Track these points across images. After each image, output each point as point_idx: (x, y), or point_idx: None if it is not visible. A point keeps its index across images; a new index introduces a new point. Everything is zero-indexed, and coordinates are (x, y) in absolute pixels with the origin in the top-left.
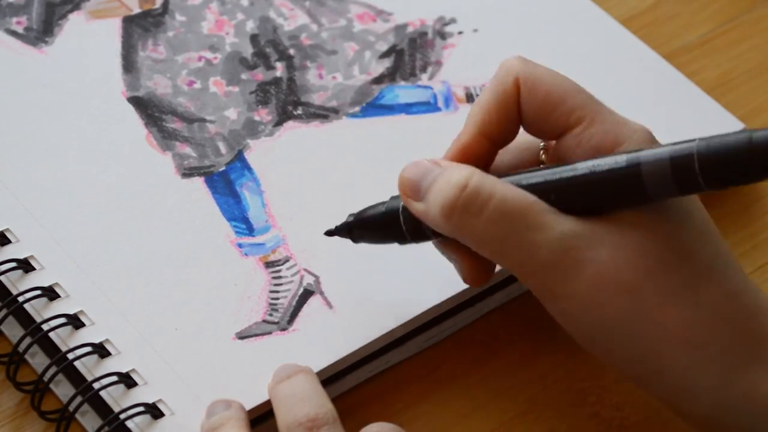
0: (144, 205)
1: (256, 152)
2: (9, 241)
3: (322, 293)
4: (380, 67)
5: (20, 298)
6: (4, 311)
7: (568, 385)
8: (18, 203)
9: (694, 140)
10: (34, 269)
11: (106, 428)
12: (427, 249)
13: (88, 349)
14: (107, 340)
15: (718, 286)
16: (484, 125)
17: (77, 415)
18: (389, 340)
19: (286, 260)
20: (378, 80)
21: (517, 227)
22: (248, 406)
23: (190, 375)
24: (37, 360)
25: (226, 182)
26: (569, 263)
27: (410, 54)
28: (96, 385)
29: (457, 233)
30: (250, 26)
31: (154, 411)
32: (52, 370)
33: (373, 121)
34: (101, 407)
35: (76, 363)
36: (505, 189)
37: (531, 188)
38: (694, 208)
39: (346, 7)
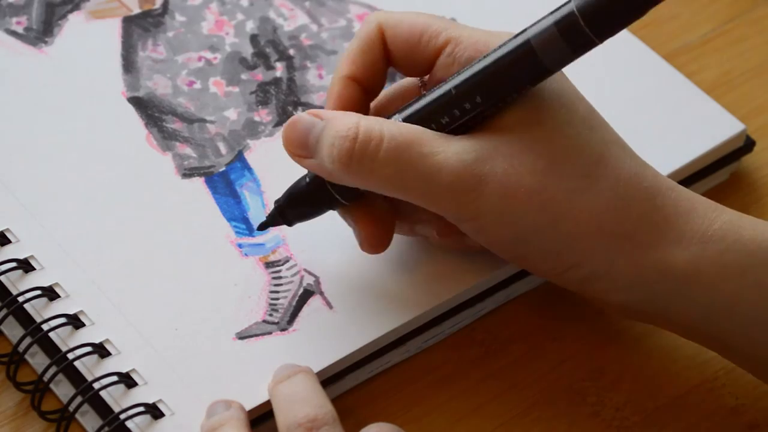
0: (144, 205)
1: (256, 152)
2: (9, 241)
3: (322, 293)
4: None
5: (20, 298)
6: (4, 311)
7: (568, 385)
8: (18, 203)
9: (570, 0)
10: (34, 269)
11: (106, 428)
12: (427, 250)
13: (88, 349)
14: (107, 340)
15: (613, 171)
16: (352, 71)
17: (77, 415)
18: (389, 341)
19: (286, 260)
20: None
21: (412, 158)
22: (248, 407)
23: (190, 375)
24: (37, 360)
25: (227, 182)
26: (471, 182)
27: None
28: (96, 385)
29: (357, 181)
30: (250, 26)
31: (154, 411)
32: (52, 370)
33: None
34: (101, 407)
35: (76, 363)
36: (392, 126)
37: (418, 119)
38: (575, 100)
39: (345, 7)
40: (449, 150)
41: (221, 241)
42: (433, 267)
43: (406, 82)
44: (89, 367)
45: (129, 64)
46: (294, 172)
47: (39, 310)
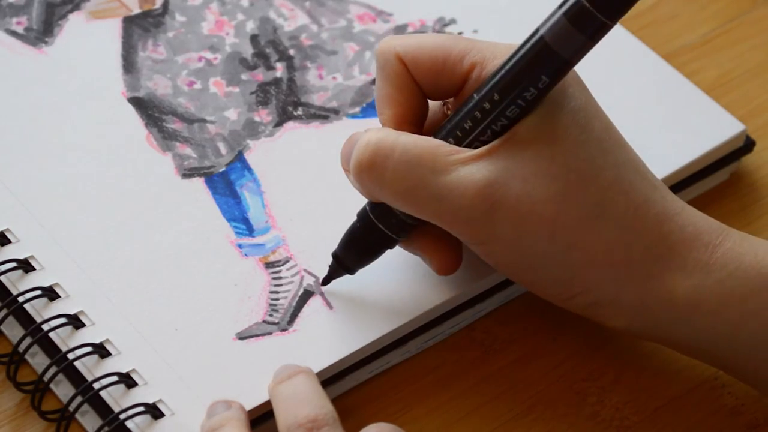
0: (144, 205)
1: (257, 153)
2: (9, 241)
3: (322, 294)
4: None
5: (20, 298)
6: (4, 311)
7: (568, 385)
8: (18, 203)
9: None
10: (34, 269)
11: (106, 428)
12: None
13: (88, 349)
14: (107, 340)
15: (625, 198)
16: (396, 115)
17: (77, 415)
18: (389, 341)
19: (287, 261)
20: None
21: (424, 175)
22: (248, 407)
23: (190, 375)
24: (37, 360)
25: (227, 183)
26: (483, 206)
27: None
28: (96, 385)
29: (371, 193)
30: (250, 27)
31: (154, 411)
32: (52, 370)
33: (374, 122)
34: (101, 407)
35: (76, 363)
36: (408, 139)
37: (444, 131)
38: (592, 119)
39: (346, 7)
40: (462, 170)
41: (221, 242)
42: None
43: (434, 108)
44: (89, 367)
45: (129, 65)
46: (294, 173)
47: (39, 310)
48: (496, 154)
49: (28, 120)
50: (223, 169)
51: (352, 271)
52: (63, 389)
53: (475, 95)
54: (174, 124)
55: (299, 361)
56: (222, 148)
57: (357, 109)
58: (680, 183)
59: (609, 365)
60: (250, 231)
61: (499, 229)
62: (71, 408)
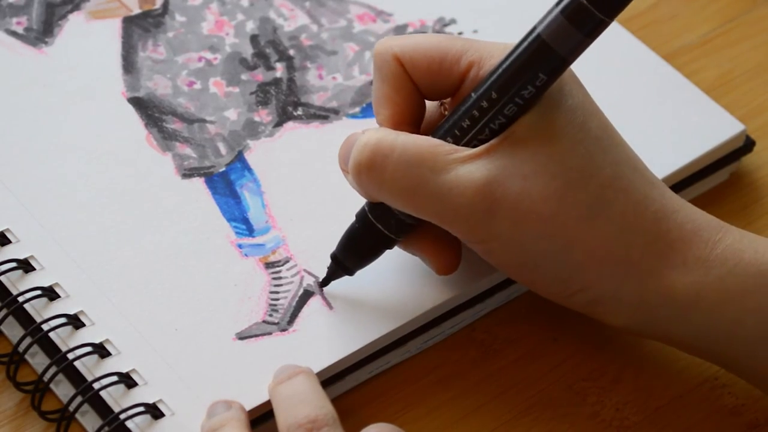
0: (144, 205)
1: (257, 153)
2: (9, 241)
3: (322, 294)
4: None
5: (20, 298)
6: (4, 311)
7: (568, 385)
8: (18, 203)
9: None
10: (34, 269)
11: (106, 428)
12: None
13: (88, 349)
14: (107, 340)
15: (623, 195)
16: (393, 115)
17: (77, 415)
18: (389, 341)
19: (286, 261)
20: None
21: (423, 174)
22: (248, 407)
23: (190, 375)
24: (37, 360)
25: (226, 183)
26: (483, 205)
27: None
28: (96, 385)
29: (370, 193)
30: (250, 27)
31: (154, 411)
32: (52, 370)
33: (373, 122)
34: (101, 407)
35: (76, 363)
36: (407, 139)
37: (441, 131)
38: (590, 117)
39: (346, 7)
40: (461, 169)
41: (221, 242)
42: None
43: (431, 109)
44: (89, 367)
45: (129, 65)
46: (294, 173)
47: (39, 310)
48: (495, 153)
49: (28, 120)
50: (223, 169)
51: (351, 272)
52: (63, 389)
53: (472, 94)
54: (174, 124)
55: (299, 361)
56: (222, 148)
57: (357, 109)
58: (680, 183)
59: (609, 365)
60: (250, 231)
61: (499, 228)
62: (71, 408)
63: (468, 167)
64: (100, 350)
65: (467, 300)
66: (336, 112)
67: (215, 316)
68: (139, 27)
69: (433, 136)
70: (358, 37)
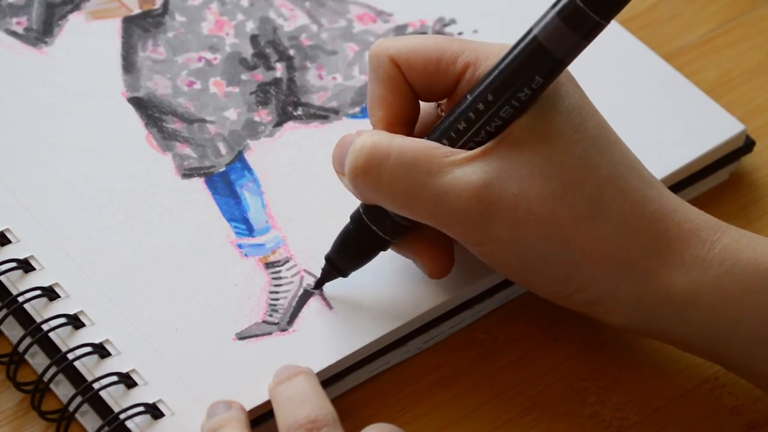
0: (144, 205)
1: (256, 153)
2: (9, 241)
3: (322, 294)
4: None
5: (20, 298)
6: (4, 311)
7: (568, 385)
8: (18, 203)
9: None
10: (34, 269)
11: (106, 428)
12: None
13: (88, 349)
14: (107, 340)
15: (621, 195)
16: (388, 116)
17: (77, 415)
18: (389, 341)
19: (286, 261)
20: None
21: (419, 177)
22: (248, 407)
23: (190, 375)
24: (37, 360)
25: (226, 183)
26: (480, 208)
27: None
28: (96, 385)
29: (366, 196)
30: (250, 27)
31: (154, 411)
32: (52, 370)
33: None
34: (101, 407)
35: (76, 363)
36: (403, 142)
37: (438, 133)
38: (586, 117)
39: (346, 7)
40: (458, 171)
41: (221, 242)
42: None
43: (427, 110)
44: (89, 367)
45: (129, 65)
46: (294, 173)
47: (39, 310)
48: (492, 155)
49: (28, 120)
50: (223, 169)
51: (345, 274)
52: (63, 389)
53: (468, 96)
54: (174, 124)
55: (299, 362)
56: (222, 148)
57: (357, 109)
58: (680, 183)
59: (609, 365)
60: (250, 231)
61: (497, 230)
62: (71, 408)
63: (464, 170)
64: (100, 350)
65: (467, 300)
66: (336, 112)
67: (215, 316)
68: (139, 27)
69: (429, 139)
70: (358, 37)
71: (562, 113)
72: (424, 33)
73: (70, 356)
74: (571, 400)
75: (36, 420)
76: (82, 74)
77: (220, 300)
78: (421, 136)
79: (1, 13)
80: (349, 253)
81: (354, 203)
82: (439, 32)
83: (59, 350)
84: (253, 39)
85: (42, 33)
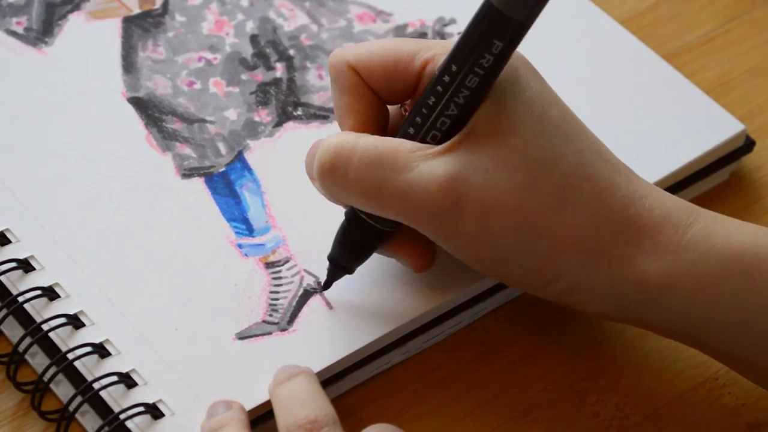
0: (144, 205)
1: (256, 153)
2: (9, 241)
3: (322, 294)
4: None
5: (20, 298)
6: (4, 311)
7: (568, 385)
8: (18, 203)
9: None
10: (34, 269)
11: (106, 428)
12: None
13: (88, 349)
14: (107, 340)
15: (588, 183)
16: (358, 125)
17: (77, 415)
18: (389, 341)
19: (286, 261)
20: None
21: (385, 174)
22: (248, 407)
23: (190, 375)
24: (37, 360)
25: (226, 183)
26: (447, 202)
27: None
28: (96, 385)
29: (335, 195)
30: (250, 27)
31: (154, 411)
32: (52, 370)
33: None
34: (101, 407)
35: (76, 363)
36: (368, 140)
37: (403, 129)
38: (549, 107)
39: (345, 7)
40: (424, 166)
41: (221, 242)
42: (433, 267)
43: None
44: (89, 367)
45: (129, 65)
46: (294, 173)
47: (39, 310)
48: (456, 150)
49: (28, 120)
50: (223, 169)
51: (350, 271)
52: (63, 389)
53: (430, 82)
54: (174, 124)
55: (299, 361)
56: (222, 148)
57: None
58: (680, 183)
59: (609, 365)
60: (250, 231)
61: (465, 224)
62: (71, 408)
63: (430, 164)
64: (100, 350)
65: (467, 300)
66: None
67: (215, 316)
68: (139, 27)
69: (396, 136)
70: (358, 37)
71: (523, 104)
72: (424, 33)
73: (70, 356)
74: (571, 400)
75: (36, 420)
76: (82, 74)
77: (220, 300)
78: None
79: (1, 13)
80: (350, 249)
81: None
82: (438, 32)
83: (59, 350)
84: (253, 39)
85: (42, 33)
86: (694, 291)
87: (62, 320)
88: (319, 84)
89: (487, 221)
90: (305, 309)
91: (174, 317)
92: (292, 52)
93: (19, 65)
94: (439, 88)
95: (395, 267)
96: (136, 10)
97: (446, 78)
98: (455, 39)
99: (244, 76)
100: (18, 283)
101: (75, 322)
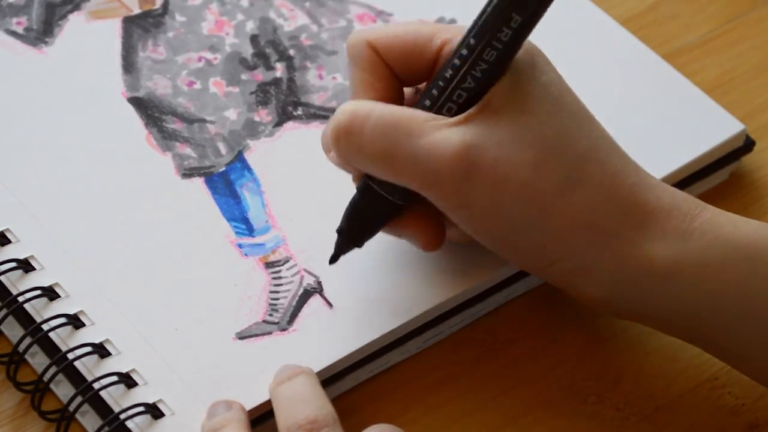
0: (144, 205)
1: (256, 153)
2: (9, 241)
3: (321, 293)
4: None
5: (20, 298)
6: (4, 311)
7: (568, 384)
8: (18, 203)
9: None
10: (34, 269)
11: (106, 428)
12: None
13: (88, 349)
14: (107, 340)
15: (600, 167)
16: (374, 100)
17: (77, 415)
18: (389, 341)
19: (286, 260)
20: None
21: (400, 138)
22: (248, 407)
23: (190, 375)
24: (37, 360)
25: (226, 183)
26: (461, 169)
27: None
28: (96, 385)
29: (348, 158)
30: (250, 27)
31: (154, 411)
32: (52, 370)
33: None
34: (101, 407)
35: (76, 363)
36: (385, 107)
37: (422, 98)
38: (564, 93)
39: (346, 7)
40: (438, 134)
41: (221, 242)
42: (432, 267)
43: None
44: (89, 367)
45: (129, 65)
46: (294, 173)
47: (39, 310)
48: (472, 121)
49: (28, 120)
50: (223, 169)
51: (359, 244)
52: (63, 389)
53: (447, 59)
54: (174, 124)
55: (299, 361)
56: (222, 148)
57: None
58: (680, 182)
59: (609, 365)
60: (250, 231)
61: (476, 194)
62: (71, 408)
63: (445, 132)
64: (100, 350)
65: (467, 299)
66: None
67: (215, 316)
68: (139, 27)
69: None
70: None
71: (540, 86)
72: None
73: (70, 356)
74: (571, 400)
75: (36, 420)
76: (82, 74)
77: (220, 300)
78: None
79: (1, 13)
80: (359, 222)
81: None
82: None
83: (59, 350)
84: (253, 39)
85: (42, 33)
86: (699, 279)
87: (62, 320)
88: (319, 84)
89: (498, 193)
90: (305, 309)
91: (174, 317)
92: (292, 52)
93: (19, 65)
94: (456, 61)
95: (395, 267)
96: (136, 10)
97: (464, 51)
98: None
99: (244, 76)
100: (18, 283)
101: (75, 322)
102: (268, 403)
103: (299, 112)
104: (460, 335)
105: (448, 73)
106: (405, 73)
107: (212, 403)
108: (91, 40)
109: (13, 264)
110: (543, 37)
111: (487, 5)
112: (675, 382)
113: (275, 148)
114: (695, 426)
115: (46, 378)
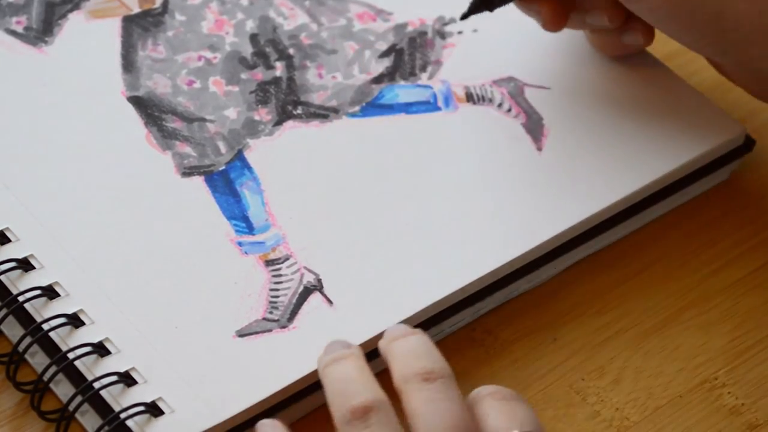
0: (144, 204)
1: (256, 152)
2: (9, 241)
3: (322, 291)
4: (380, 67)
5: (20, 298)
6: (4, 311)
7: (568, 385)
8: (18, 203)
9: None
10: (34, 269)
11: (106, 428)
12: (426, 246)
13: (88, 348)
14: (107, 339)
15: None
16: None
17: (77, 415)
18: None
19: (286, 258)
20: (378, 80)
21: None
22: (254, 400)
23: (190, 373)
24: (37, 360)
25: (226, 181)
26: None
27: (410, 53)
28: (96, 385)
29: None
30: (250, 26)
31: (154, 410)
32: (52, 369)
33: (373, 121)
34: (101, 407)
35: (76, 362)
36: None
37: None
38: None
39: (345, 6)
40: None
41: (221, 240)
42: (431, 265)
43: None
44: (89, 367)
45: (129, 64)
46: (293, 171)
47: (39, 309)
48: None
49: (28, 120)
50: (223, 167)
51: (491, 8)
52: (63, 389)
53: None
54: (174, 123)
55: (299, 359)
56: (222, 146)
57: (357, 108)
58: (680, 182)
59: (609, 365)
60: (250, 229)
61: None
62: (71, 408)
63: None
64: (100, 349)
65: (467, 299)
66: (336, 111)
67: (215, 314)
68: (139, 26)
69: None
70: (358, 36)
71: None
72: (424, 32)
73: (70, 356)
74: (571, 400)
75: (36, 420)
76: (82, 73)
77: (220, 298)
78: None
79: (0, 13)
80: None
81: (356, 201)
82: (438, 31)
83: (59, 349)
84: (253, 38)
85: (42, 32)
86: None
87: (62, 320)
88: (318, 83)
89: None
90: (305, 306)
91: (174, 315)
92: (291, 51)
93: (19, 65)
94: None
95: (395, 264)
96: (136, 9)
97: None
98: None
99: (243, 75)
100: (18, 283)
101: (75, 321)
102: (313, 375)
103: (299, 111)
104: (460, 335)
105: None
106: None
107: (329, 342)
108: (90, 39)
109: (13, 263)
110: (543, 37)
111: None
112: (675, 382)
113: (275, 147)
114: (695, 426)
115: (45, 378)
